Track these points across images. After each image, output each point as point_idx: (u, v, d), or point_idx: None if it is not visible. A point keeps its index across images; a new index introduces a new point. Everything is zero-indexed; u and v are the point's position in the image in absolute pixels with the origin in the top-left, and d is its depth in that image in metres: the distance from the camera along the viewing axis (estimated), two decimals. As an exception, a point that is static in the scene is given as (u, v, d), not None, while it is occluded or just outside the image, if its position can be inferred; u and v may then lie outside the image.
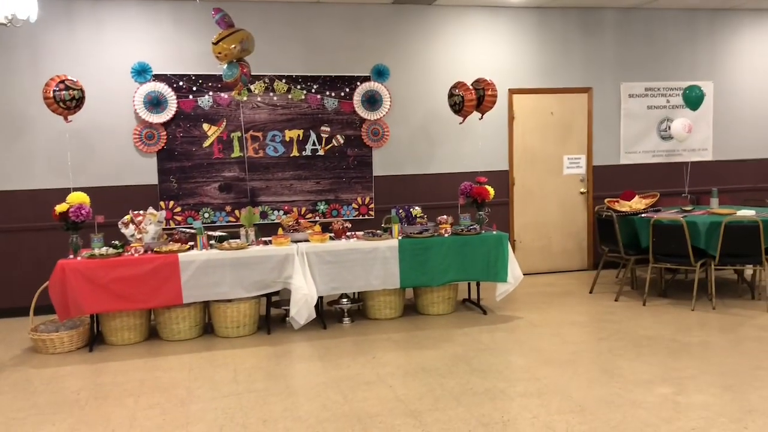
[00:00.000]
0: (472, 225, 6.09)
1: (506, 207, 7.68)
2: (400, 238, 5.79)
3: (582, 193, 7.92)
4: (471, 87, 6.39)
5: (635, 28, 7.90)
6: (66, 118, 5.67)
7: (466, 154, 7.49)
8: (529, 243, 7.82)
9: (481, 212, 6.25)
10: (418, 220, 6.09)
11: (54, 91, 5.48)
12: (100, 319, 5.43)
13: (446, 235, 5.88)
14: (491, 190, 6.22)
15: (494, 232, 5.98)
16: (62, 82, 5.53)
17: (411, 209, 6.14)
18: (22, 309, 6.03)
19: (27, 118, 6.40)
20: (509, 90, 7.57)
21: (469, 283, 6.43)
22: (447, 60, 7.41)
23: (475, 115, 6.70)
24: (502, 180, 7.58)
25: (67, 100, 5.52)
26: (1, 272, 6.44)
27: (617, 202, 6.82)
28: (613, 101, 7.92)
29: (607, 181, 7.93)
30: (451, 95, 6.51)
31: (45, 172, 6.46)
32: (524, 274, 6.07)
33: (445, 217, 6.09)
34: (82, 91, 5.66)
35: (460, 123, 6.66)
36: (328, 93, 7.07)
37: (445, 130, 7.43)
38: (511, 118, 7.62)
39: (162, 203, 6.68)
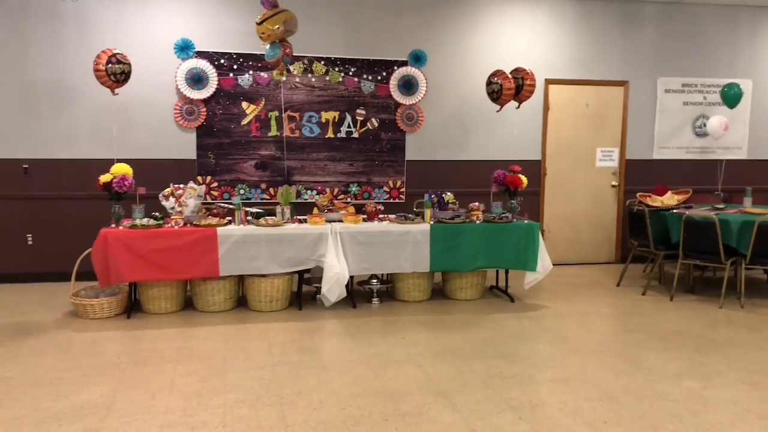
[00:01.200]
0: (504, 213, 6.12)
1: (537, 197, 7.68)
2: (431, 222, 5.83)
3: (613, 186, 7.88)
4: (510, 76, 6.39)
5: (675, 22, 7.80)
6: (113, 91, 5.79)
7: (499, 143, 7.50)
8: (558, 233, 7.82)
9: (513, 201, 6.27)
10: (450, 205, 6.13)
11: (107, 64, 5.60)
12: (138, 287, 5.58)
13: (477, 222, 5.92)
14: (524, 180, 6.22)
15: (526, 221, 6.00)
16: (114, 55, 5.65)
17: (443, 195, 6.18)
18: (64, 274, 6.21)
19: (72, 90, 6.54)
20: (545, 80, 7.55)
21: (497, 271, 6.46)
22: (484, 48, 7.40)
23: (511, 103, 6.69)
24: (534, 170, 7.57)
25: (118, 73, 5.64)
26: (45, 238, 6.64)
27: (649, 197, 6.78)
28: (648, 96, 7.85)
29: (639, 175, 7.88)
30: (489, 83, 6.51)
31: (89, 143, 6.62)
32: (552, 265, 6.07)
33: (476, 204, 6.13)
34: (130, 65, 5.78)
35: (497, 111, 6.66)
36: (365, 76, 7.12)
37: (479, 118, 7.44)
38: (546, 108, 7.60)
39: (199, 178, 6.80)
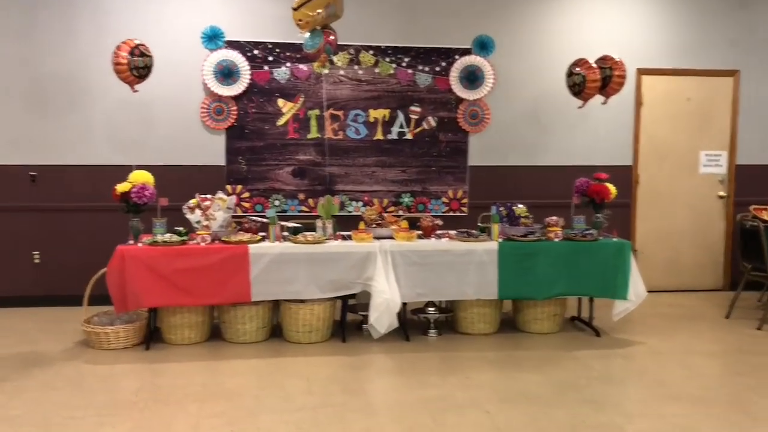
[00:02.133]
0: (587, 229, 6.05)
1: (627, 210, 7.57)
2: (500, 240, 5.81)
3: (721, 197, 7.71)
4: (595, 66, 6.34)
5: (799, -2, 7.62)
6: (133, 88, 5.98)
7: (582, 145, 7.45)
8: (653, 254, 7.69)
9: (599, 215, 6.19)
10: (522, 220, 6.10)
11: (130, 57, 5.79)
12: (158, 314, 5.71)
13: (556, 239, 5.87)
14: (612, 189, 6.15)
15: (614, 239, 5.92)
16: (137, 47, 5.84)
17: (514, 207, 6.15)
18: (74, 297, 6.39)
19: (86, 86, 6.78)
20: (638, 70, 7.46)
21: (580, 299, 6.38)
22: (563, 32, 7.37)
23: (596, 99, 6.63)
24: (624, 177, 7.47)
25: (141, 67, 5.82)
26: (53, 256, 6.88)
27: (766, 209, 6.61)
28: (765, 88, 7.66)
29: (753, 183, 7.68)
30: (570, 74, 6.47)
31: (104, 147, 6.84)
32: (646, 292, 5.97)
33: (554, 218, 6.08)
34: (152, 58, 5.97)
35: (580, 107, 6.60)
36: (421, 67, 7.16)
37: (557, 115, 7.40)
38: (638, 103, 7.50)
39: (229, 187, 6.95)
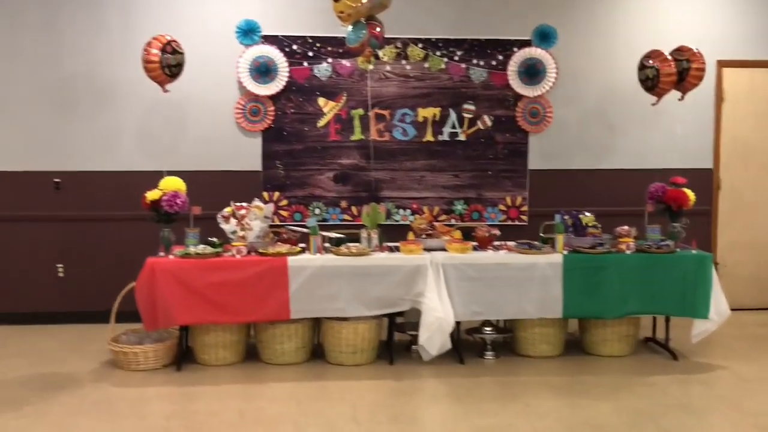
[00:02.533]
0: (663, 240, 6.01)
1: (708, 218, 7.48)
2: (565, 252, 5.80)
3: (816, 203, 7.59)
4: (670, 57, 6.29)
5: None
6: (164, 87, 6.13)
7: (656, 146, 7.39)
8: (737, 268, 7.58)
9: (676, 224, 6.14)
10: (589, 230, 6.07)
11: (162, 54, 5.94)
12: (191, 332, 5.82)
13: (628, 251, 5.83)
14: (691, 195, 6.09)
15: (694, 251, 5.87)
16: (169, 43, 5.99)
17: (580, 216, 6.13)
18: (101, 314, 6.52)
19: (113, 86, 6.95)
20: (718, 62, 7.37)
21: (654, 318, 6.32)
22: (634, 20, 7.33)
23: (672, 95, 6.57)
24: (704, 181, 7.39)
25: (173, 65, 5.96)
26: (79, 269, 7.06)
27: None
28: None
29: None
30: (642, 67, 6.43)
31: (133, 151, 7.01)
32: (730, 310, 5.89)
33: (626, 228, 6.04)
34: (184, 55, 6.11)
35: (653, 104, 6.55)
36: (475, 61, 7.19)
37: (628, 113, 7.36)
38: (719, 99, 7.42)
39: (266, 194, 7.06)
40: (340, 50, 7.00)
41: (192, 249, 5.67)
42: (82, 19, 6.92)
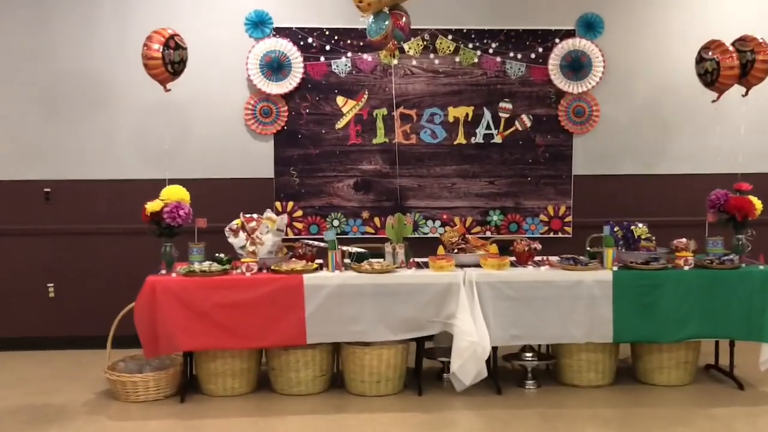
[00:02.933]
0: (726, 254, 5.93)
1: (776, 229, 7.38)
2: (615, 268, 5.74)
3: None
4: (732, 48, 6.22)
5: None
6: (165, 87, 6.13)
7: (718, 148, 7.32)
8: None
9: (740, 235, 6.07)
10: (642, 243, 6.00)
11: (164, 50, 5.94)
12: (196, 359, 5.80)
13: (686, 267, 5.76)
14: (757, 204, 6.02)
15: (761, 267, 5.80)
16: (172, 37, 5.99)
17: (632, 227, 6.06)
18: (96, 339, 6.53)
19: (108, 86, 6.98)
20: (787, 52, 7.29)
21: (717, 343, 6.22)
22: (692, 6, 7.29)
23: (735, 90, 6.50)
24: (772, 188, 7.29)
25: (177, 62, 5.97)
26: (71, 289, 7.07)
27: None
28: None
29: None
30: (700, 59, 6.36)
31: (130, 157, 7.04)
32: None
33: (684, 240, 5.95)
34: (187, 51, 6.12)
35: (713, 101, 6.48)
36: (512, 54, 7.16)
37: (685, 112, 7.31)
38: (788, 94, 7.34)
39: (278, 204, 7.06)
40: (361, 43, 7.00)
41: (197, 266, 5.65)
42: (73, 12, 6.96)
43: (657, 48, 7.29)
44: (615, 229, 6.06)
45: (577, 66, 7.15)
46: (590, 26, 7.16)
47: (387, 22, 5.63)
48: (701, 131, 7.33)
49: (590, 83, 7.16)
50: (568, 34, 7.17)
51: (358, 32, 6.92)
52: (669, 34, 7.26)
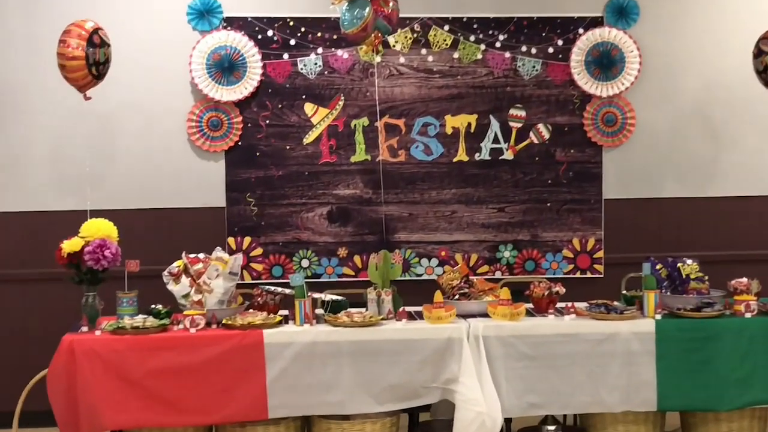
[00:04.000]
0: (799, 297, 5.93)
1: None
2: (658, 317, 5.71)
3: None
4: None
5: None
6: (85, 94, 6.10)
7: (784, 165, 7.37)
8: None
9: (814, 275, 6.07)
10: (692, 284, 5.99)
11: (87, 47, 5.91)
12: (127, 439, 5.74)
13: (748, 314, 5.72)
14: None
15: (841, 315, 5.80)
16: (96, 32, 5.96)
17: (679, 264, 6.05)
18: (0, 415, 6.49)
19: (12, 95, 6.97)
20: None
21: (788, 410, 6.23)
22: (748, -12, 7.35)
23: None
24: None
25: (102, 62, 5.94)
26: (-34, 351, 7.00)
27: None
28: None
29: None
30: (758, 54, 6.40)
31: (41, 183, 7.00)
32: None
33: (744, 281, 5.94)
34: (111, 48, 6.09)
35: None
36: (524, 48, 7.20)
37: (741, 118, 7.37)
38: None
39: (232, 240, 7.03)
40: (335, 36, 7.01)
41: (127, 321, 5.57)
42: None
43: (704, 38, 7.35)
44: (657, 267, 6.05)
45: (606, 62, 7.19)
46: (622, 12, 7.20)
47: (366, 11, 5.61)
48: (761, 142, 7.37)
49: (623, 84, 7.21)
50: (595, 22, 7.22)
51: (332, 23, 6.91)
52: (719, 21, 7.34)
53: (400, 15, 6.00)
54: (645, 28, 7.24)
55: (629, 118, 7.26)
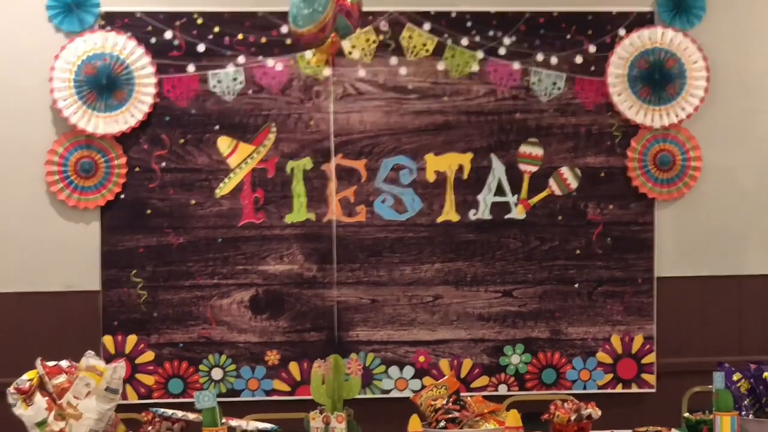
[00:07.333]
0: None
1: None
2: (736, 456, 5.80)
3: None
4: None
5: None
6: None
7: None
8: None
9: None
10: (787, 403, 6.09)
11: None
12: None
13: None
14: None
15: None
16: None
17: (766, 373, 6.13)
18: None
19: None
20: None
21: None
22: None
23: None
24: None
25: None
26: None
27: None
28: None
29: None
30: None
31: None
32: None
33: None
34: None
35: None
36: (541, 57, 7.28)
37: None
38: None
39: (109, 339, 7.05)
40: (263, 40, 7.09)
41: (-45, 461, 5.64)
42: None
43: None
44: (735, 378, 6.12)
45: (660, 78, 7.28)
46: (681, 7, 7.29)
47: (324, 2, 5.54)
48: None
49: (684, 109, 7.28)
50: (642, 19, 7.32)
51: (258, 20, 7.03)
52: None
53: (366, 9, 5.85)
54: (711, 29, 7.32)
55: (693, 159, 7.32)
